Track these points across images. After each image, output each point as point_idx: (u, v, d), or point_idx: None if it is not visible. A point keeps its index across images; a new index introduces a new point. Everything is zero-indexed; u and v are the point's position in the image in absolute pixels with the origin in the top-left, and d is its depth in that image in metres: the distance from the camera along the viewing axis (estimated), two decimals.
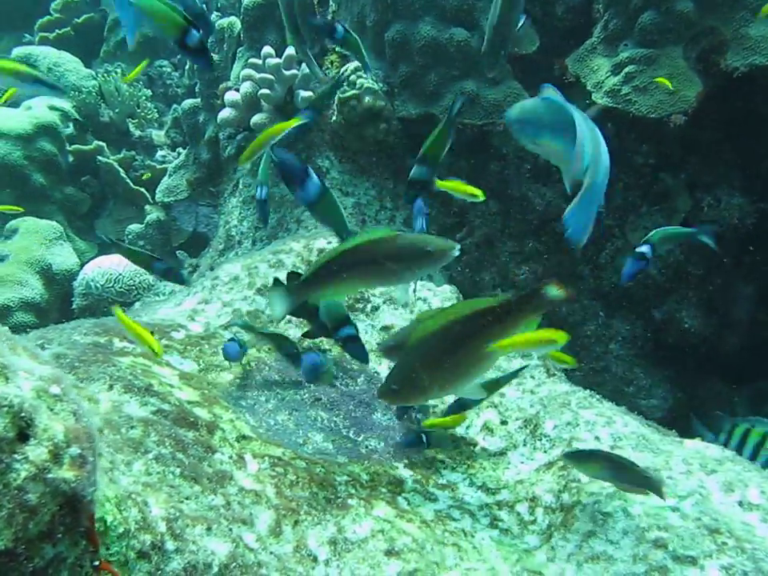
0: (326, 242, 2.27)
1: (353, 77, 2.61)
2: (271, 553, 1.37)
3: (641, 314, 2.92)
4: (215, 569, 1.26)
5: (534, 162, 2.83)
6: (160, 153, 4.40)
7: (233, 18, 3.16)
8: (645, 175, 2.78)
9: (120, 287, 2.97)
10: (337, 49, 2.82)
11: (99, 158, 4.05)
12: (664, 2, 2.52)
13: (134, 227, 3.39)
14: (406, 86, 2.70)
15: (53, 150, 3.98)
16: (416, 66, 2.66)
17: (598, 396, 1.98)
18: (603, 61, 2.64)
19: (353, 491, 1.59)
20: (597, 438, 1.78)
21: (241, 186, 2.94)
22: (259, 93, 2.66)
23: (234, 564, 1.29)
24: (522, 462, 1.81)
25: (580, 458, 1.56)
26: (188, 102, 3.33)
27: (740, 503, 1.58)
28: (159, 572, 1.18)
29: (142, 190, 3.93)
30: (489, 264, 2.85)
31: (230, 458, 1.54)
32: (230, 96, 2.82)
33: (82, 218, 3.97)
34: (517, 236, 2.86)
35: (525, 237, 2.87)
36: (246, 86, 2.73)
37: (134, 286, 2.99)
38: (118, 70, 4.62)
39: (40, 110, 4.12)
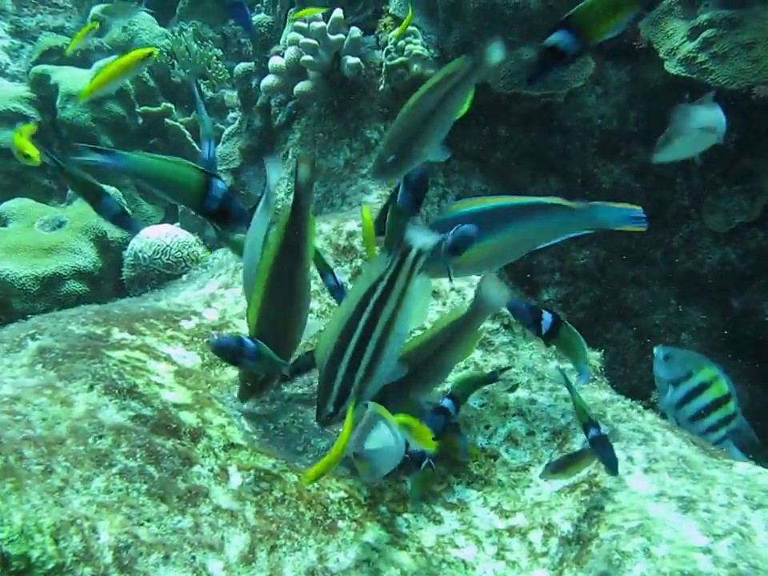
0: (357, 224, 2.10)
1: (401, 42, 2.41)
2: None
3: (718, 302, 2.67)
4: None
5: (601, 136, 2.59)
6: (231, 115, 4.30)
7: None
8: (726, 152, 2.50)
9: (167, 259, 2.88)
10: (391, 11, 2.62)
11: (167, 120, 3.98)
12: None
13: None
14: (459, 53, 2.48)
15: (121, 111, 3.95)
16: (469, 30, 2.44)
17: (640, 407, 1.78)
18: (680, 24, 2.37)
19: (346, 511, 1.45)
20: (630, 458, 1.58)
21: (290, 157, 2.79)
22: (302, 59, 2.49)
23: None
24: (546, 481, 1.63)
25: None
26: (241, 66, 3.20)
27: None
28: None
29: None
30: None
31: (211, 470, 1.42)
32: (274, 62, 2.66)
33: None
34: None
35: None
36: (291, 52, 2.56)
37: (181, 258, 2.90)
38: (191, 29, 4.52)
39: None
